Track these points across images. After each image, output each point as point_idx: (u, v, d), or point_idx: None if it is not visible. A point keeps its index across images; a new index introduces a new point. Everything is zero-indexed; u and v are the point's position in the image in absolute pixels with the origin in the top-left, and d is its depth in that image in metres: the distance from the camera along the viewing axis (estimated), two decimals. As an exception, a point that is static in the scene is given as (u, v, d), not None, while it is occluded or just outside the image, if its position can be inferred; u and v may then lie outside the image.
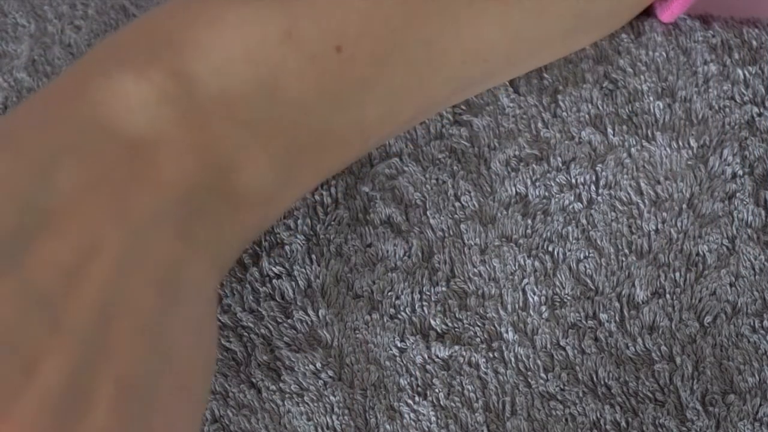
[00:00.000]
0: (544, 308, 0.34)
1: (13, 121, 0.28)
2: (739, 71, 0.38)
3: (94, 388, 0.25)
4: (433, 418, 0.32)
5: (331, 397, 0.32)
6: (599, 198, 0.36)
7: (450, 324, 0.34)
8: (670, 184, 0.36)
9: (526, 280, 0.34)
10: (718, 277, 0.34)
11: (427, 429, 0.32)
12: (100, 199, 0.27)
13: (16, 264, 0.25)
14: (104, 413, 0.25)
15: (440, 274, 0.35)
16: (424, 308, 0.34)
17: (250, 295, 0.34)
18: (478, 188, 0.36)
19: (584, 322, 0.34)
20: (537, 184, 0.36)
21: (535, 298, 0.34)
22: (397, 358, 0.33)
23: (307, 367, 0.33)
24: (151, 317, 0.26)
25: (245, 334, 0.33)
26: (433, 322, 0.34)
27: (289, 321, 0.34)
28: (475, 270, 0.35)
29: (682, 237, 0.35)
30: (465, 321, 0.34)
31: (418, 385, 0.33)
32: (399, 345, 0.33)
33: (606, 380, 0.33)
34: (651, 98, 0.37)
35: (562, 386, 0.33)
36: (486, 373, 0.33)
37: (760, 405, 0.32)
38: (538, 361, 0.33)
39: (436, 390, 0.33)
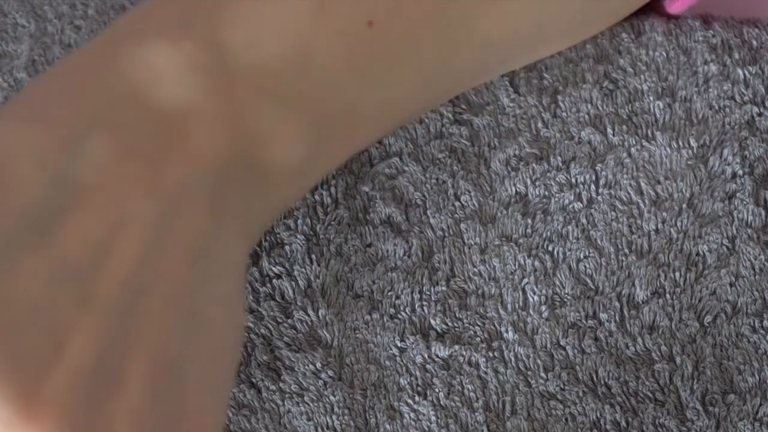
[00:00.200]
0: (544, 308, 0.34)
1: (42, 90, 0.28)
2: (740, 71, 0.38)
3: (125, 365, 0.25)
4: (433, 418, 0.32)
5: (331, 397, 0.32)
6: (599, 198, 0.36)
7: (450, 324, 0.34)
8: (670, 183, 0.36)
9: (526, 280, 0.34)
10: (718, 277, 0.34)
11: (427, 429, 0.32)
12: (130, 171, 0.26)
13: (45, 238, 0.25)
14: (136, 391, 0.25)
15: (440, 274, 0.35)
16: (424, 308, 0.34)
17: (250, 295, 0.34)
18: (478, 188, 0.36)
19: (584, 321, 0.34)
20: (537, 183, 0.36)
21: (535, 297, 0.34)
22: (397, 358, 0.33)
23: (307, 367, 0.33)
24: (183, 291, 0.26)
25: (245, 334, 0.33)
26: (433, 322, 0.34)
27: (289, 321, 0.34)
28: (475, 269, 0.35)
29: (682, 237, 0.35)
30: (465, 321, 0.34)
31: (418, 385, 0.33)
32: (399, 345, 0.33)
33: (606, 380, 0.33)
34: (651, 98, 0.37)
35: (562, 386, 0.33)
36: (486, 373, 0.33)
37: (760, 405, 0.32)
38: (538, 361, 0.33)
39: (436, 390, 0.33)
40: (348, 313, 0.34)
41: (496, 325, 0.34)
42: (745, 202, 0.35)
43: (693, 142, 0.37)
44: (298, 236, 0.35)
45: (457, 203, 0.36)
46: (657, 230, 0.35)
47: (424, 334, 0.34)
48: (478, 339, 0.33)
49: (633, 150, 0.37)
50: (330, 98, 0.30)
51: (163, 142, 0.27)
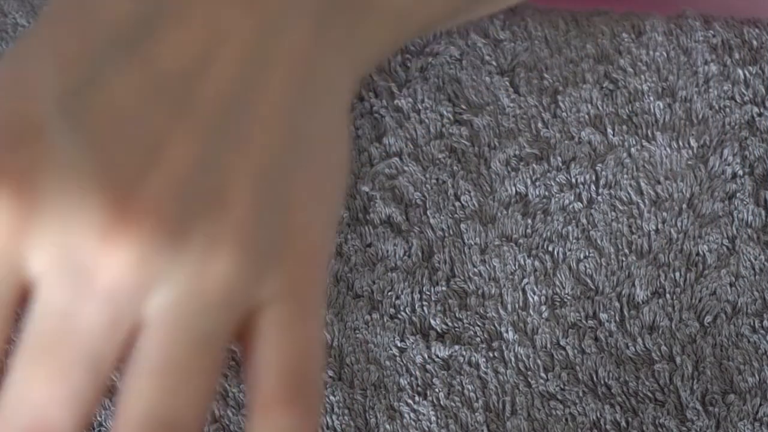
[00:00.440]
0: (544, 308, 0.34)
1: None
2: (740, 71, 0.38)
3: (228, 179, 0.24)
4: (433, 418, 0.32)
5: (331, 397, 0.32)
6: (599, 198, 0.36)
7: (450, 324, 0.34)
8: (670, 184, 0.36)
9: (526, 280, 0.34)
10: (718, 277, 0.34)
11: (427, 429, 0.32)
12: None
13: (140, 51, 0.24)
14: (240, 204, 0.24)
15: (440, 274, 0.35)
16: (424, 308, 0.34)
17: (250, 295, 0.34)
18: (478, 188, 0.36)
19: (584, 321, 0.34)
20: (537, 183, 0.36)
21: (535, 297, 0.34)
22: (397, 358, 0.33)
23: (307, 367, 0.33)
24: (285, 109, 0.25)
25: (245, 333, 0.34)
26: (433, 322, 0.34)
27: (289, 321, 0.34)
28: (475, 270, 0.35)
29: (682, 237, 0.35)
30: (465, 321, 0.34)
31: (418, 385, 0.33)
32: (399, 345, 0.33)
33: (606, 380, 0.33)
34: (651, 98, 0.37)
35: (562, 386, 0.33)
36: (486, 373, 0.33)
37: (760, 405, 0.32)
38: (538, 361, 0.33)
39: (436, 390, 0.33)
40: (348, 313, 0.34)
41: (496, 325, 0.34)
42: (745, 202, 0.35)
43: (693, 142, 0.37)
44: (298, 236, 0.35)
45: (457, 203, 0.36)
46: (657, 230, 0.35)
47: (424, 334, 0.34)
48: (478, 339, 0.33)
49: (633, 150, 0.37)
50: None
51: None
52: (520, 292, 0.34)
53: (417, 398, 0.32)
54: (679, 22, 0.39)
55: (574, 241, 0.35)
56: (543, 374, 0.33)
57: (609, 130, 0.37)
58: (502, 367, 0.33)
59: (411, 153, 0.37)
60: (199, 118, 0.24)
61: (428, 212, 0.36)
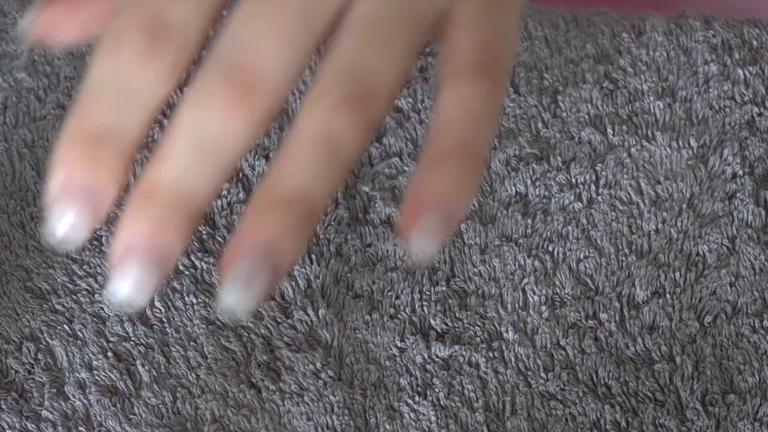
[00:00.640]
0: (544, 308, 0.34)
1: None
2: (740, 71, 0.38)
3: None
4: (433, 418, 0.32)
5: (331, 397, 0.32)
6: (599, 198, 0.36)
7: (450, 324, 0.34)
8: (670, 184, 0.36)
9: (526, 280, 0.34)
10: (718, 277, 0.34)
11: (427, 429, 0.32)
12: None
13: None
14: None
15: (440, 274, 0.35)
16: (424, 308, 0.34)
17: (250, 295, 0.34)
18: (478, 188, 0.36)
19: (584, 321, 0.34)
20: (537, 183, 0.36)
21: (535, 297, 0.34)
22: (397, 358, 0.33)
23: (307, 367, 0.33)
24: None
25: (245, 334, 0.34)
26: (433, 322, 0.34)
27: (289, 321, 0.34)
28: (475, 270, 0.35)
29: (682, 237, 0.35)
30: (465, 321, 0.34)
31: (418, 385, 0.33)
32: (399, 345, 0.33)
33: (606, 380, 0.33)
34: (651, 98, 0.37)
35: (562, 386, 0.33)
36: (486, 373, 0.33)
37: (760, 405, 0.32)
38: (538, 361, 0.33)
39: (436, 390, 0.33)
40: (348, 313, 0.34)
41: (496, 325, 0.34)
42: (745, 202, 0.35)
43: (693, 142, 0.37)
44: (298, 236, 0.35)
45: (457, 203, 0.36)
46: (657, 230, 0.35)
47: (424, 334, 0.34)
48: (478, 339, 0.33)
49: (633, 150, 0.37)
50: None
51: None
52: (520, 292, 0.34)
53: (417, 398, 0.32)
54: (679, 22, 0.39)
55: (574, 241, 0.35)
56: (543, 374, 0.33)
57: (609, 130, 0.37)
58: (502, 367, 0.33)
59: (411, 153, 0.37)
60: None
61: (428, 212, 0.36)
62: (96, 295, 0.34)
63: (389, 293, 0.34)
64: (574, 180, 0.36)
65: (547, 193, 0.36)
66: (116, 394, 0.32)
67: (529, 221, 0.35)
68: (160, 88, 0.25)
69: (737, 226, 0.35)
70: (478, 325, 0.34)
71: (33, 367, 0.33)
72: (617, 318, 0.34)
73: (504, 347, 0.33)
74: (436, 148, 0.26)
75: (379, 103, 0.25)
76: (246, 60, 0.24)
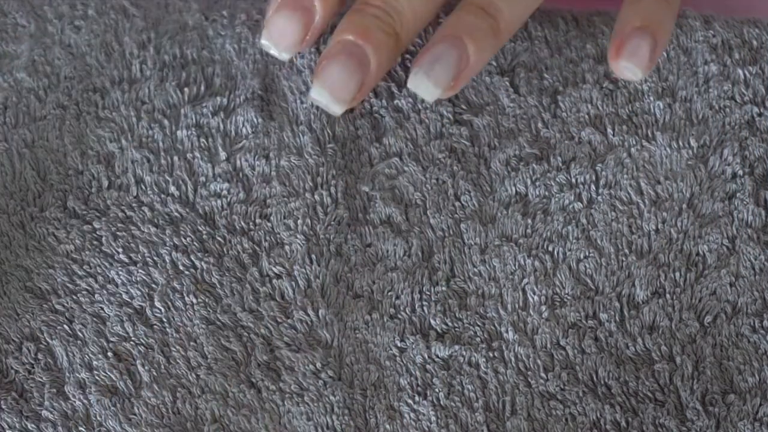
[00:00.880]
0: (544, 308, 0.34)
1: None
2: (740, 71, 0.38)
3: None
4: (433, 418, 0.32)
5: (331, 397, 0.32)
6: (599, 198, 0.36)
7: (450, 324, 0.34)
8: (670, 184, 0.36)
9: (526, 280, 0.34)
10: (718, 277, 0.34)
11: (427, 429, 0.32)
12: None
13: None
14: None
15: (440, 274, 0.35)
16: (424, 308, 0.34)
17: (250, 295, 0.34)
18: (478, 188, 0.36)
19: (584, 321, 0.34)
20: (537, 183, 0.36)
21: (535, 297, 0.34)
22: (397, 358, 0.33)
23: (307, 367, 0.33)
24: None
25: (245, 334, 0.34)
26: (433, 322, 0.34)
27: (289, 321, 0.34)
28: (475, 270, 0.35)
29: (682, 237, 0.35)
30: (465, 321, 0.34)
31: (418, 385, 0.33)
32: (399, 345, 0.33)
33: (606, 380, 0.33)
34: (651, 98, 0.37)
35: (562, 386, 0.33)
36: (486, 373, 0.33)
37: (760, 405, 0.32)
38: (538, 361, 0.33)
39: (436, 390, 0.33)
40: (348, 313, 0.34)
41: (496, 325, 0.34)
42: (745, 202, 0.35)
43: (693, 142, 0.37)
44: (298, 236, 0.35)
45: (457, 203, 0.36)
46: (657, 230, 0.35)
47: (424, 334, 0.34)
48: (478, 339, 0.33)
49: (633, 150, 0.37)
50: None
51: None
52: (520, 292, 0.34)
53: (417, 398, 0.32)
54: (679, 22, 0.39)
55: (574, 241, 0.35)
56: (543, 374, 0.33)
57: (609, 130, 0.37)
58: (502, 367, 0.33)
59: (411, 153, 0.37)
60: None
61: (428, 212, 0.36)
62: (96, 295, 0.34)
63: (389, 293, 0.34)
64: (574, 180, 0.36)
65: (547, 193, 0.36)
66: (116, 394, 0.32)
67: (529, 221, 0.35)
68: None
69: (737, 226, 0.35)
70: (478, 325, 0.34)
71: (33, 367, 0.33)
72: (617, 318, 0.34)
73: (504, 347, 0.33)
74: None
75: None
76: None
